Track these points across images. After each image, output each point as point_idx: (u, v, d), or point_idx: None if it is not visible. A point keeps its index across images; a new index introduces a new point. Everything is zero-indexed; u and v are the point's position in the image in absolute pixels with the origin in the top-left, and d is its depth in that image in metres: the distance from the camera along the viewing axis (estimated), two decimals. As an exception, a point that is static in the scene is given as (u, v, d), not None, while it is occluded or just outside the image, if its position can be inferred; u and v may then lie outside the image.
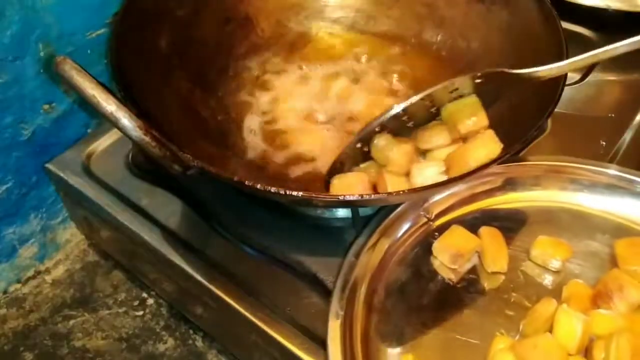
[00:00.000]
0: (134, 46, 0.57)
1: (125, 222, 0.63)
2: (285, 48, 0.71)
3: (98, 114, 0.50)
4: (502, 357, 0.49)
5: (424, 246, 0.57)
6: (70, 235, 0.79)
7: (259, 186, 0.48)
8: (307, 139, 0.64)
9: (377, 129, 0.55)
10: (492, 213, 0.59)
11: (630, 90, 0.75)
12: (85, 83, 0.49)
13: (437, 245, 0.56)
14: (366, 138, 0.55)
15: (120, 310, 0.72)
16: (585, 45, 0.77)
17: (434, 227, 0.58)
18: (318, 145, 0.64)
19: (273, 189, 0.48)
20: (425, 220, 0.58)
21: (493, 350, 0.50)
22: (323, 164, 0.62)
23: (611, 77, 0.77)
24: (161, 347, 0.70)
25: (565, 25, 0.61)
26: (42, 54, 0.65)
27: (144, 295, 0.74)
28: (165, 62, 0.62)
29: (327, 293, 0.56)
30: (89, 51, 0.70)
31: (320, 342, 0.54)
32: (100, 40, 0.70)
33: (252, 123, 0.65)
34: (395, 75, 0.69)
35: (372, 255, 0.55)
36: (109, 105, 0.49)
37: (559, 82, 0.55)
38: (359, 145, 0.55)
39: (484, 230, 0.56)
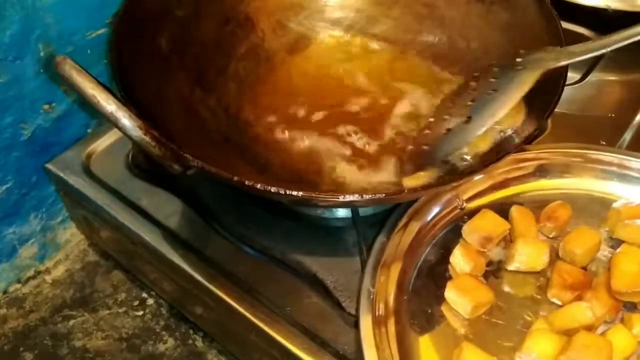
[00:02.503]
0: (134, 46, 0.57)
1: (125, 222, 0.63)
2: (286, 48, 0.71)
3: (98, 114, 0.50)
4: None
5: (454, 229, 0.58)
6: (70, 235, 0.79)
7: (259, 186, 0.48)
8: (308, 138, 0.64)
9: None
10: (522, 199, 0.60)
11: (630, 90, 0.75)
12: (85, 83, 0.49)
13: (467, 228, 0.56)
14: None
15: (120, 310, 0.72)
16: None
17: (465, 210, 0.59)
18: (319, 145, 0.64)
19: (273, 189, 0.48)
20: (455, 203, 0.59)
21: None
22: (324, 165, 0.62)
23: (611, 77, 0.77)
24: (161, 347, 0.70)
25: (565, 25, 0.61)
26: (42, 54, 0.65)
27: (144, 295, 0.74)
28: (165, 62, 0.62)
29: (327, 293, 0.56)
30: (89, 51, 0.70)
31: (320, 342, 0.54)
32: (100, 40, 0.70)
33: (252, 123, 0.65)
34: (395, 76, 0.69)
35: (402, 237, 0.55)
36: (109, 105, 0.49)
37: (559, 81, 0.55)
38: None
39: (515, 209, 0.57)
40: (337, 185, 0.60)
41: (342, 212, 0.62)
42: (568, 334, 0.49)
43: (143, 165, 0.68)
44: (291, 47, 0.72)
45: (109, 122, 0.50)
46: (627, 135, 0.68)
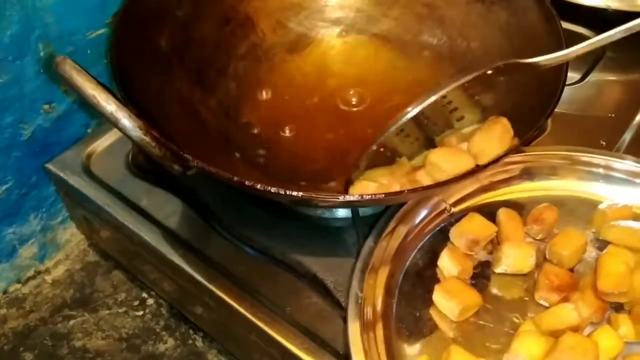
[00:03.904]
0: (134, 46, 0.57)
1: (125, 222, 0.63)
2: (285, 48, 0.71)
3: (98, 114, 0.50)
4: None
5: (442, 232, 0.58)
6: (70, 235, 0.79)
7: (259, 186, 0.48)
8: (309, 139, 0.64)
9: (396, 133, 0.55)
10: (509, 202, 0.60)
11: (630, 90, 0.75)
12: (85, 83, 0.49)
13: (454, 231, 0.56)
14: (385, 142, 0.55)
15: (120, 310, 0.72)
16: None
17: (452, 214, 0.59)
18: (320, 145, 0.64)
19: (273, 189, 0.48)
20: (443, 207, 0.59)
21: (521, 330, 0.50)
22: (325, 165, 0.62)
23: (611, 77, 0.77)
24: (161, 347, 0.70)
25: (565, 25, 0.61)
26: (42, 54, 0.65)
27: (144, 295, 0.74)
28: (165, 62, 0.62)
29: (327, 293, 0.56)
30: (89, 51, 0.70)
31: (320, 342, 0.54)
32: (100, 40, 0.70)
33: (252, 123, 0.65)
34: (395, 75, 0.69)
35: (390, 241, 0.55)
36: (109, 105, 0.49)
37: (559, 81, 0.55)
38: (375, 148, 0.55)
39: (502, 211, 0.57)
40: (337, 186, 0.60)
41: (342, 212, 0.62)
42: (555, 335, 0.49)
43: (143, 165, 0.68)
44: (291, 47, 0.72)
45: (109, 122, 0.50)
46: (627, 136, 0.68)
